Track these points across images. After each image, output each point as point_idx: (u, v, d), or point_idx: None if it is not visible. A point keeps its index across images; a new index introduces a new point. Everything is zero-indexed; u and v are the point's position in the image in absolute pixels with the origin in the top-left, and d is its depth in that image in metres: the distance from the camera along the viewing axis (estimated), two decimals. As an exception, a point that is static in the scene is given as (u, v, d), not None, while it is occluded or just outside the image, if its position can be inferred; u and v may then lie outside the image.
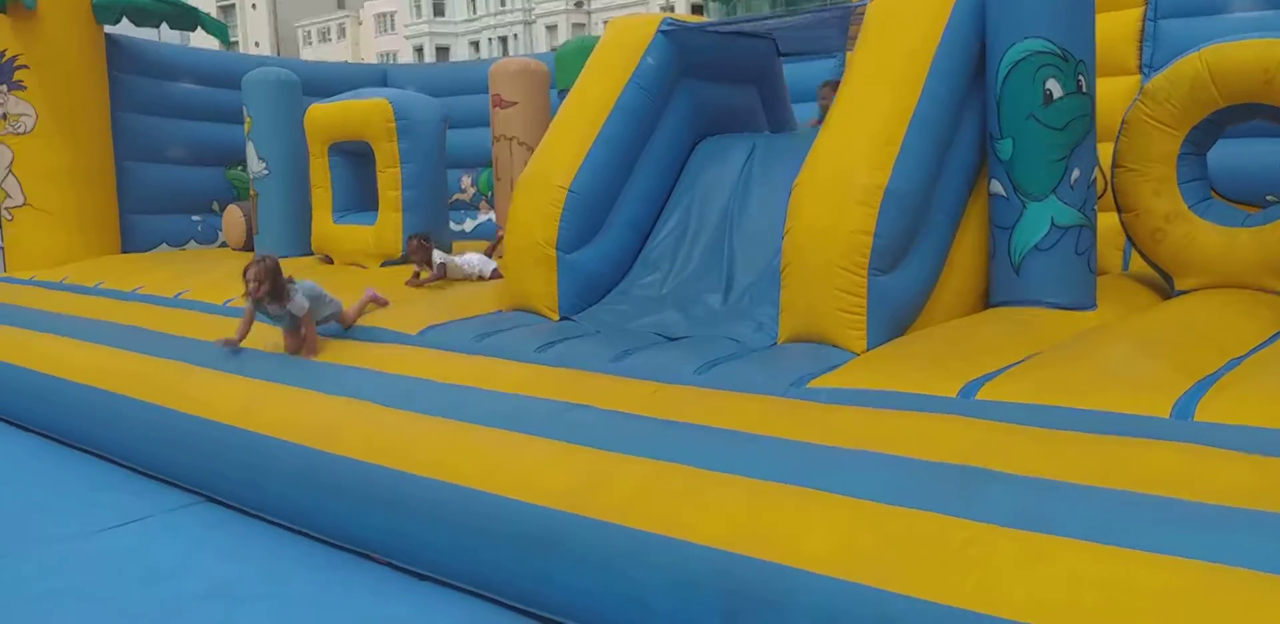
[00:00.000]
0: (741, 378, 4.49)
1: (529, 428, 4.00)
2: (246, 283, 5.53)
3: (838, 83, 7.82)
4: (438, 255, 7.30)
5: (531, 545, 3.41)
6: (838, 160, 4.92)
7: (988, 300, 5.37)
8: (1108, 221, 5.83)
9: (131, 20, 10.89)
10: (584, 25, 53.40)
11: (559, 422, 4.11)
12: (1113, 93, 6.54)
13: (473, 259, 7.58)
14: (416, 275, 7.44)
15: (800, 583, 2.94)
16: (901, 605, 2.75)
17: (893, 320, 4.79)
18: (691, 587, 3.02)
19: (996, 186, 5.19)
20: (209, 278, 8.45)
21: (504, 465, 3.71)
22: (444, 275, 7.34)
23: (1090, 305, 5.12)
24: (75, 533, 4.69)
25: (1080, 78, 5.03)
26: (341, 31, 55.39)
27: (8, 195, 10.51)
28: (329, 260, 9.09)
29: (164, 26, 11.51)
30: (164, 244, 11.22)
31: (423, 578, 3.98)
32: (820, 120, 7.74)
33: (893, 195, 4.73)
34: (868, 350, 4.63)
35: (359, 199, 9.11)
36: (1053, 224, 5.03)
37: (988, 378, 3.83)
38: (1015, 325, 4.76)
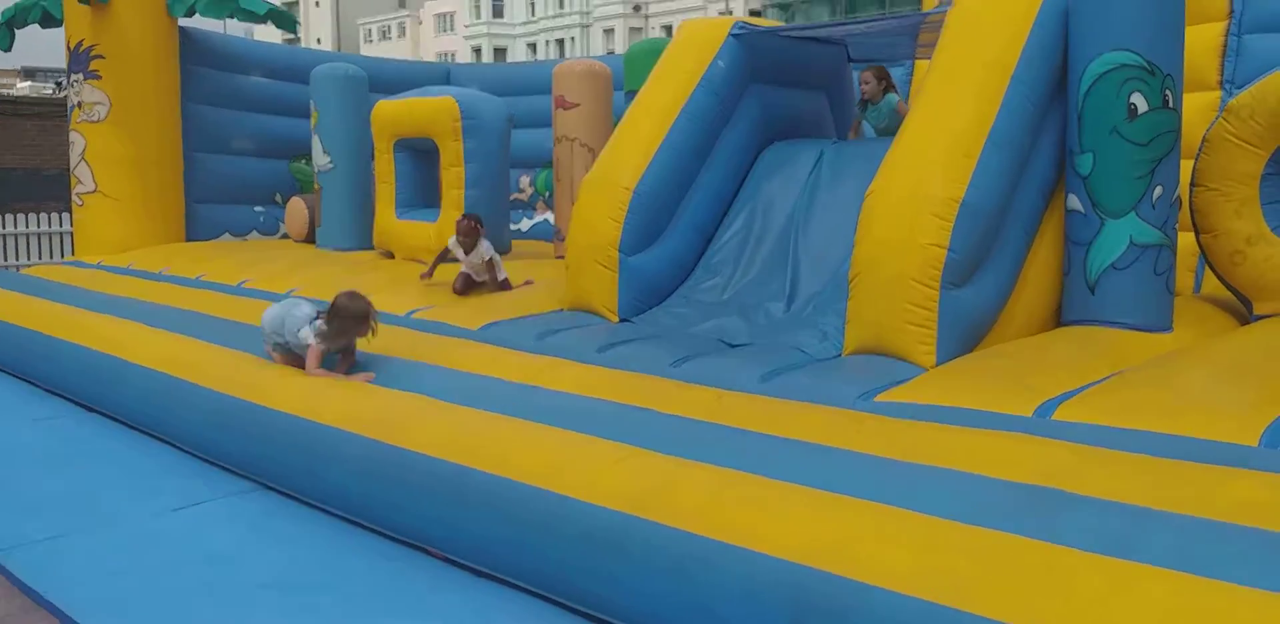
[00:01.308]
0: (807, 388, 4.45)
1: (594, 428, 3.98)
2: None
3: (880, 67, 7.85)
4: (485, 247, 7.07)
5: (596, 546, 3.38)
6: (913, 172, 4.85)
7: (1060, 319, 5.27)
8: (1181, 241, 5.69)
9: (203, 13, 11.07)
10: (641, 29, 53.46)
11: (624, 423, 4.09)
12: (1192, 109, 6.39)
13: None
14: (431, 273, 7.34)
15: (870, 598, 2.88)
16: (977, 627, 2.67)
17: (963, 336, 4.71)
18: (760, 596, 2.97)
19: (1074, 202, 5.09)
20: (272, 268, 8.57)
21: (570, 465, 3.68)
22: (494, 275, 7.12)
23: (1167, 327, 5.00)
24: (140, 513, 4.75)
25: (1167, 92, 4.92)
26: (402, 30, 55.99)
27: (79, 181, 10.73)
28: (390, 255, 9.15)
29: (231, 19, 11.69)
30: (227, 233, 11.40)
31: (481, 575, 3.97)
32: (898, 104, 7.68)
33: (968, 209, 4.65)
34: (936, 365, 4.57)
35: (422, 195, 9.21)
36: (1131, 242, 4.92)
37: (1065, 397, 3.75)
38: (1090, 345, 4.66)
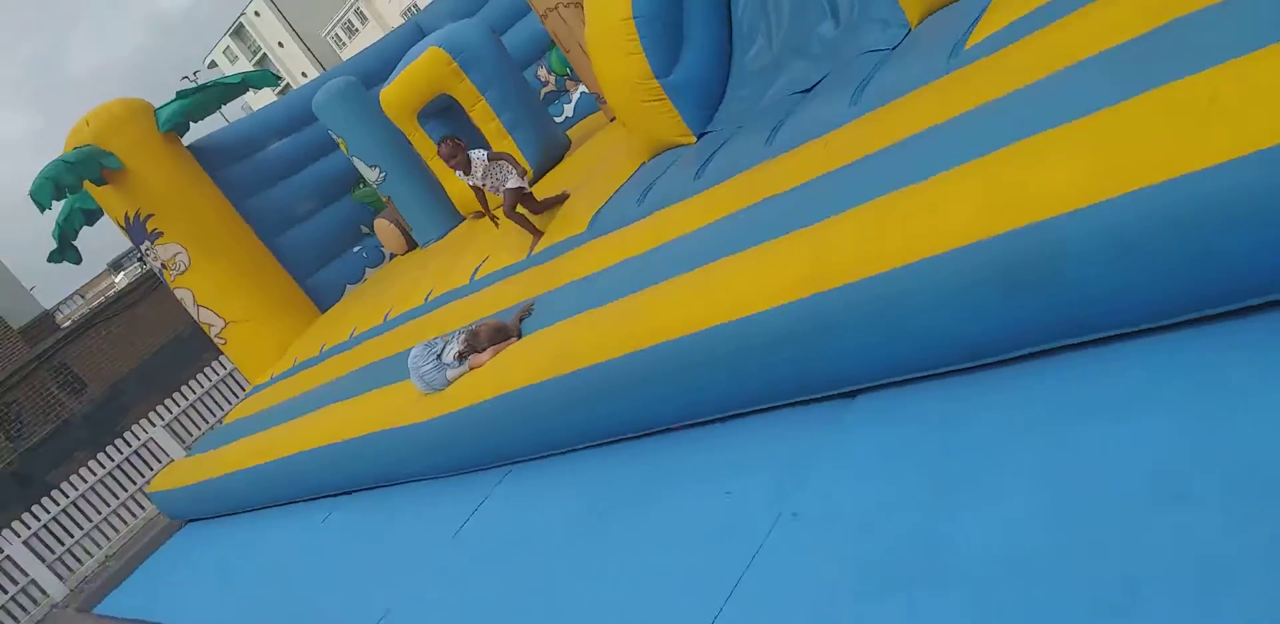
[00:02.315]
0: (896, 81, 4.21)
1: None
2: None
3: None
4: (476, 157, 6.76)
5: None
6: None
7: None
8: None
9: (194, 120, 11.45)
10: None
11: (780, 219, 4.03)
12: None
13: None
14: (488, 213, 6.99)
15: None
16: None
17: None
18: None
19: None
20: (397, 290, 8.89)
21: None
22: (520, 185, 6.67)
23: None
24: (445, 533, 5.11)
25: None
26: (361, 17, 55.64)
27: (209, 325, 11.49)
28: (481, 215, 9.28)
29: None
30: (347, 286, 11.88)
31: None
32: None
33: None
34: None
35: (473, 147, 9.24)
36: None
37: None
38: None
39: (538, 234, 6.68)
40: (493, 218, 6.83)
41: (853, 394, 3.67)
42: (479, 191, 6.88)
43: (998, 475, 2.83)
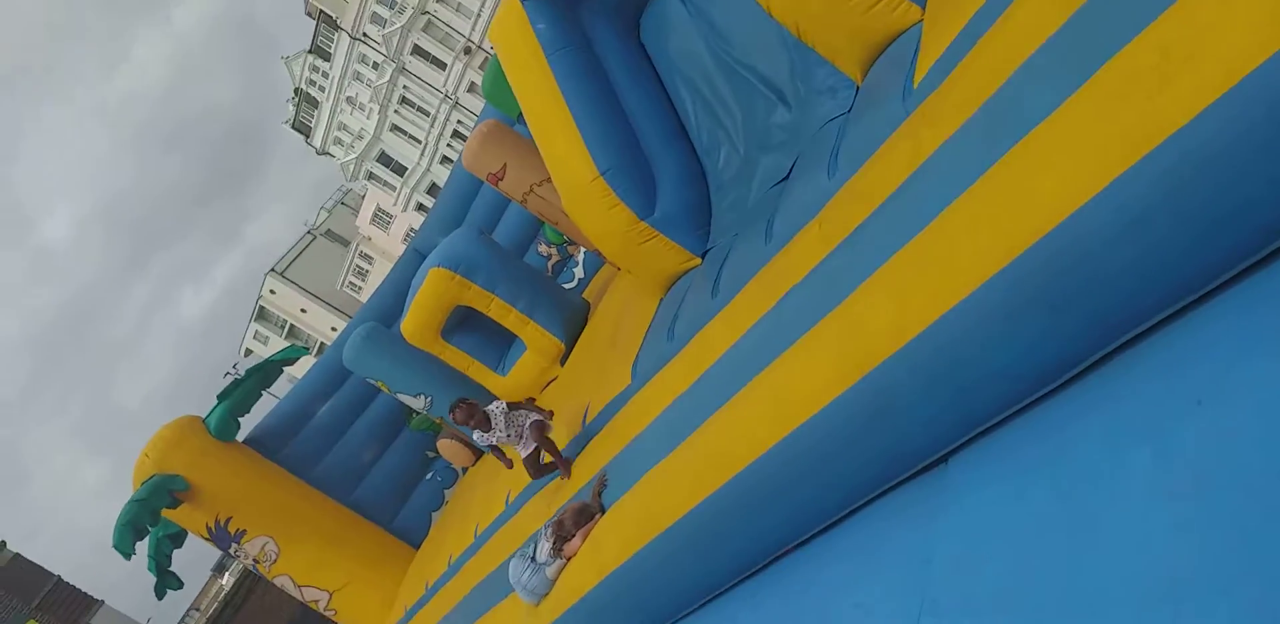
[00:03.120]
0: (863, 140, 4.25)
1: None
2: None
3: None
4: (494, 409, 6.81)
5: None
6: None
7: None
8: None
9: (240, 415, 11.89)
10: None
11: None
12: None
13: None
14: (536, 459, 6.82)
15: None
16: None
17: None
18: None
19: None
20: (478, 502, 8.86)
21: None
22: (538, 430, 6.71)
23: None
24: None
25: None
26: (367, 258, 58.05)
27: (316, 601, 11.52)
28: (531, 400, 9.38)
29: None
30: (432, 514, 11.92)
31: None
32: None
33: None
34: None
35: (499, 344, 9.61)
36: None
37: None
38: None
39: (565, 464, 6.64)
40: (535, 467, 6.81)
41: (945, 459, 3.49)
42: (498, 451, 7.10)
43: (1115, 496, 2.62)
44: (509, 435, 6.74)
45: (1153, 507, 2.52)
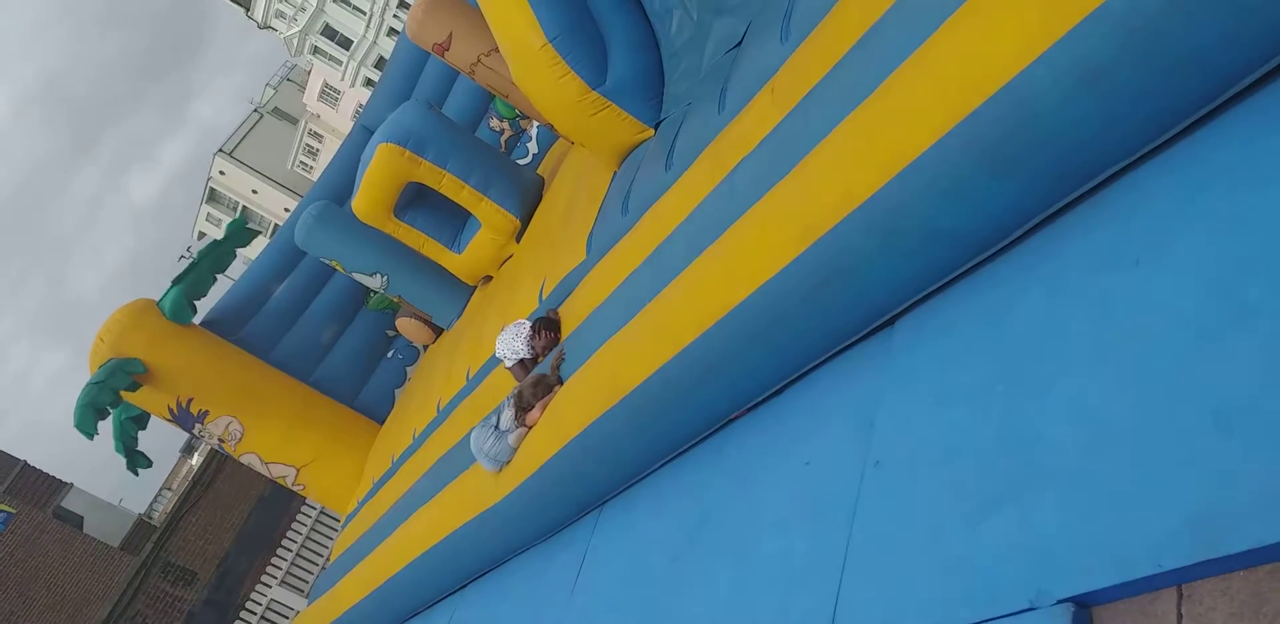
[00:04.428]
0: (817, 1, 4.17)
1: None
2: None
3: None
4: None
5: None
6: None
7: None
8: None
9: (195, 298, 11.77)
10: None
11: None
12: None
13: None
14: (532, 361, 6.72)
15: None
16: None
17: None
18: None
19: None
20: (439, 378, 8.96)
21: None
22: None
23: None
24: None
25: None
26: (316, 136, 56.67)
27: (283, 477, 11.71)
28: (489, 279, 9.41)
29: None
30: (395, 391, 12.05)
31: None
32: None
33: None
34: None
35: (453, 221, 9.51)
36: None
37: None
38: None
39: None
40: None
41: (892, 321, 3.57)
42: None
43: (1055, 353, 2.72)
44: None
45: (1090, 362, 2.61)
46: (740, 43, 5.12)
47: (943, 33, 3.17)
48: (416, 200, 9.63)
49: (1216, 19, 2.50)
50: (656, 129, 5.92)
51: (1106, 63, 2.68)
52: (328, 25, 54.44)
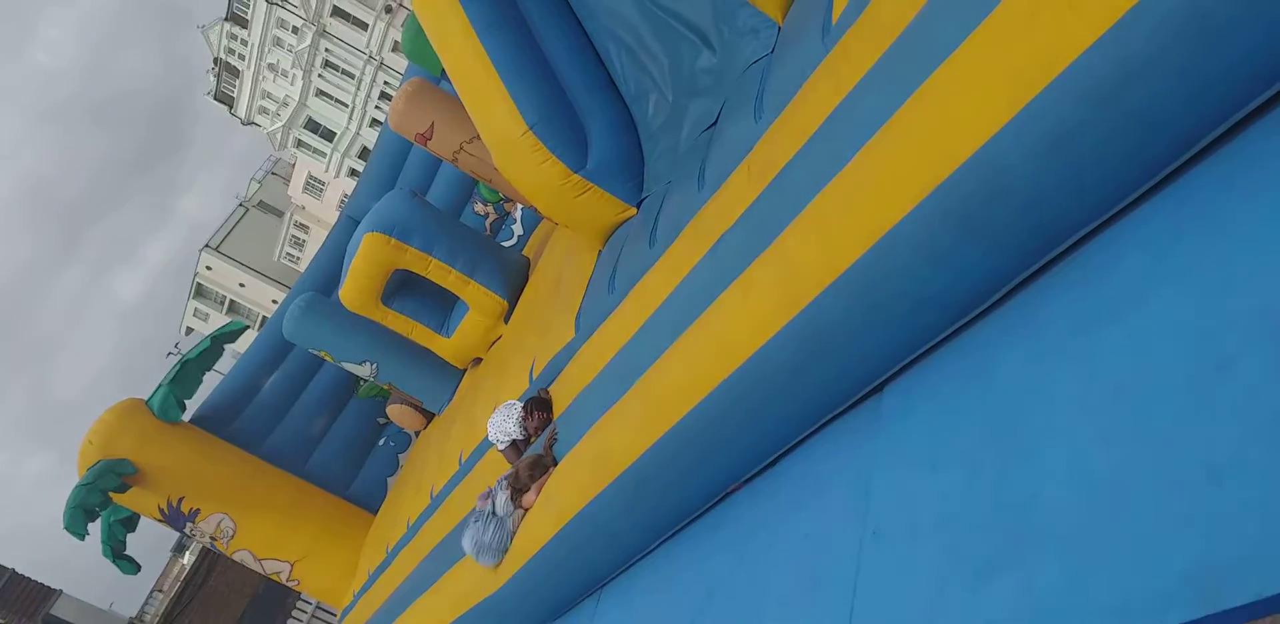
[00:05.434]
0: (786, 81, 4.29)
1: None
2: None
3: None
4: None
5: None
6: None
7: None
8: None
9: (184, 397, 11.63)
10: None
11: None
12: None
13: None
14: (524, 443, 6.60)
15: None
16: None
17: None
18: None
19: None
20: (431, 464, 8.92)
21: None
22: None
23: None
24: None
25: None
26: (302, 227, 57.11)
27: (278, 572, 11.52)
28: (478, 361, 9.44)
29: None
30: (388, 479, 11.95)
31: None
32: None
33: None
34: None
35: (441, 306, 9.62)
36: None
37: None
38: None
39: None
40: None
41: (880, 387, 3.60)
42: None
43: (1042, 413, 2.74)
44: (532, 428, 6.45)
45: (1078, 421, 2.63)
46: (715, 122, 5.24)
47: (911, 104, 3.26)
48: (403, 287, 9.75)
49: (1177, 87, 2.59)
50: (639, 207, 6.01)
51: (1072, 128, 2.76)
52: (310, 118, 55.39)
